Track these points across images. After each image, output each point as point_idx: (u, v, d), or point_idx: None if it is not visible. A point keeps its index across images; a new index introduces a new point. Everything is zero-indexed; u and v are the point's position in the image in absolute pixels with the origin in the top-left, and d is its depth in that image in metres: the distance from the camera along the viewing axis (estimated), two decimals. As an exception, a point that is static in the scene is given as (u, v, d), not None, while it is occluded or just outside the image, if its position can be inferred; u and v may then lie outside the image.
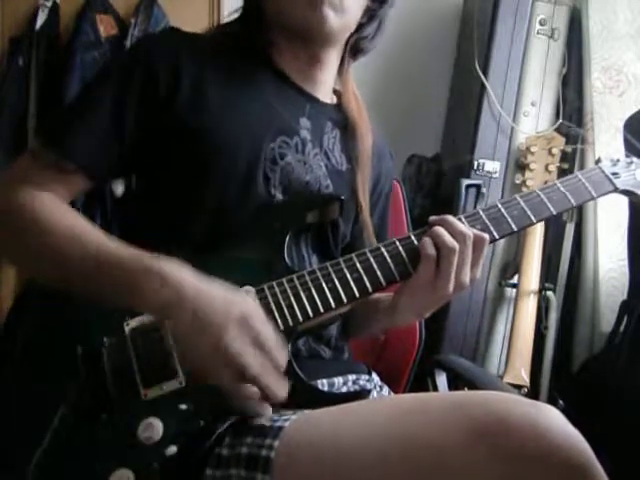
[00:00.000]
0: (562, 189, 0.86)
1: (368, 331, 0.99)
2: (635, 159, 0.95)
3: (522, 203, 0.83)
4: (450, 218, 0.79)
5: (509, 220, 0.82)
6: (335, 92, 0.99)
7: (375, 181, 1.00)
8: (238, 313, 0.64)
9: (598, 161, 0.93)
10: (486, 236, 0.78)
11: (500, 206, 0.83)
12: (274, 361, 0.65)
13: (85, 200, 1.84)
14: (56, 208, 0.77)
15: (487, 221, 0.82)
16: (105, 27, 1.93)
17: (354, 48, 0.96)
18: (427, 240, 0.77)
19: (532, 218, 0.83)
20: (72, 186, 0.82)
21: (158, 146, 0.83)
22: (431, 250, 0.76)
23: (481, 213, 0.82)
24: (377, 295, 0.92)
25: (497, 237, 0.82)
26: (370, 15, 0.94)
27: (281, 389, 0.66)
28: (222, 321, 0.64)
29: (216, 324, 0.63)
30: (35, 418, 0.69)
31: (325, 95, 0.95)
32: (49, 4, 1.94)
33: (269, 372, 0.64)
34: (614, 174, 0.91)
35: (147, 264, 0.68)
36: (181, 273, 0.67)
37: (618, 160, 0.94)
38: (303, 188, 0.86)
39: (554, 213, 0.84)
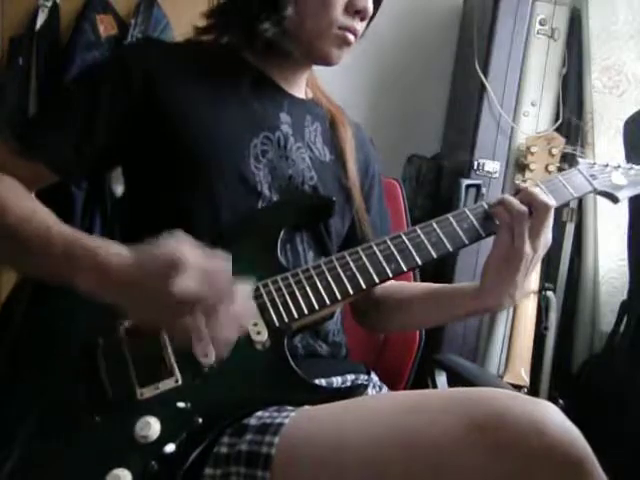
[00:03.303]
0: (544, 190, 0.88)
1: (440, 322, 1.04)
2: (610, 163, 1.00)
3: None
4: (523, 187, 0.85)
5: (496, 221, 0.84)
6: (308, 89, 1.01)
7: (365, 165, 1.01)
8: (166, 258, 0.63)
9: (576, 164, 0.98)
10: (552, 202, 0.83)
11: (485, 206, 0.85)
12: (220, 282, 0.64)
13: (85, 200, 1.84)
14: (14, 190, 0.78)
15: (474, 220, 0.84)
16: (105, 27, 1.93)
17: None
18: (500, 208, 0.82)
19: None
20: (36, 177, 0.83)
21: (141, 150, 0.85)
22: (506, 217, 0.82)
23: (467, 212, 0.85)
24: (454, 286, 0.95)
25: (484, 235, 0.85)
26: None
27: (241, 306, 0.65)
28: (155, 273, 0.62)
29: (152, 279, 0.63)
30: (29, 418, 0.68)
31: (300, 92, 0.97)
32: (49, 4, 1.94)
33: (220, 296, 0.63)
34: (592, 176, 0.96)
35: (86, 246, 0.68)
36: (110, 250, 0.67)
37: (595, 163, 0.99)
38: (287, 183, 0.88)
39: None
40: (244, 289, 0.68)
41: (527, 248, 0.81)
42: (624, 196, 0.99)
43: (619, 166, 1.01)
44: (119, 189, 1.81)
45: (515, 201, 0.82)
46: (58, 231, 0.71)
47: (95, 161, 0.86)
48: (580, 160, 0.99)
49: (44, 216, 0.75)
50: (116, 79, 0.84)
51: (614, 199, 0.98)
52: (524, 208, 0.81)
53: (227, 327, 0.65)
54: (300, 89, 0.97)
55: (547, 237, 0.84)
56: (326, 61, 0.90)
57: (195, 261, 0.63)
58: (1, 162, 0.81)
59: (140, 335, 0.72)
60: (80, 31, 1.90)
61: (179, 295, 0.61)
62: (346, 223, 0.97)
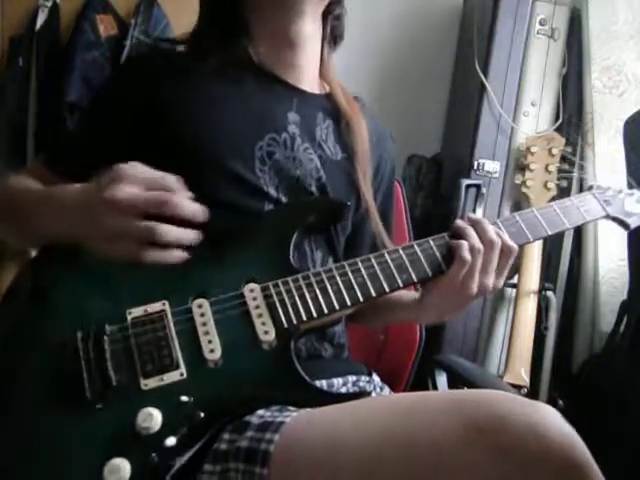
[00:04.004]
0: (558, 211, 0.91)
1: (385, 323, 1.01)
2: (624, 189, 1.02)
3: (520, 221, 0.88)
4: (483, 222, 0.84)
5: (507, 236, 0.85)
6: (326, 81, 1.00)
7: (376, 165, 1.00)
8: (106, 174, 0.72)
9: (591, 187, 1.00)
10: (515, 246, 0.83)
11: (499, 223, 0.87)
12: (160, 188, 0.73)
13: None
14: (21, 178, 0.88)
15: None
16: (105, 27, 1.93)
17: (333, 34, 0.98)
18: (464, 243, 0.81)
19: (529, 236, 0.88)
20: None
21: (149, 157, 0.85)
22: (467, 254, 0.80)
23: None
24: (402, 292, 0.94)
25: None
26: None
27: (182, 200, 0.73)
28: (96, 187, 0.73)
29: (93, 191, 0.72)
30: (29, 403, 0.68)
31: (312, 85, 0.96)
32: (49, 4, 1.94)
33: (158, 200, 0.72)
34: (605, 201, 0.97)
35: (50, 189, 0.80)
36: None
37: (609, 188, 1.00)
38: (295, 184, 0.88)
39: (549, 233, 0.89)
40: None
41: (474, 286, 0.81)
42: (636, 223, 1.00)
43: (633, 193, 1.02)
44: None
45: (475, 237, 0.82)
46: (34, 186, 0.82)
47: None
48: (594, 184, 1.00)
49: (29, 183, 0.84)
50: (119, 90, 0.89)
51: (625, 226, 1.00)
52: (481, 247, 0.81)
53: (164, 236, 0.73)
54: (309, 80, 0.95)
55: (498, 281, 0.84)
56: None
57: (132, 172, 0.72)
58: (38, 174, 0.89)
59: (147, 324, 0.72)
60: (80, 31, 1.90)
61: (112, 201, 0.70)
62: (353, 223, 0.97)
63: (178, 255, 0.75)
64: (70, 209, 0.74)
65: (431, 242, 0.83)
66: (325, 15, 0.94)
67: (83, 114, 0.99)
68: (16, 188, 0.82)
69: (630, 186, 1.05)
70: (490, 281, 0.82)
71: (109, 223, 0.71)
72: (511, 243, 0.83)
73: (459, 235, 0.83)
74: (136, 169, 0.72)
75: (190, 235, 0.75)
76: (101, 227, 0.72)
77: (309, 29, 0.91)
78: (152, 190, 0.73)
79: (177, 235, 0.74)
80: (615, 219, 0.99)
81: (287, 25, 0.89)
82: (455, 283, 0.81)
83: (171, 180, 0.74)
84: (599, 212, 0.96)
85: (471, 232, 0.82)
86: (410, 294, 0.96)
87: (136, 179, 0.72)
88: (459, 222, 0.84)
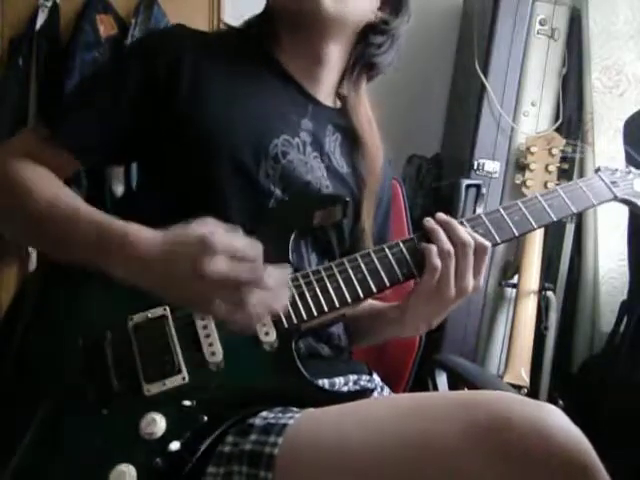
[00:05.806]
0: (563, 195, 0.87)
1: (374, 340, 0.99)
2: (633, 169, 0.97)
3: (523, 209, 0.85)
4: (453, 223, 0.80)
5: (510, 225, 0.84)
6: (340, 97, 0.98)
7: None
8: (196, 239, 0.63)
9: (598, 170, 0.95)
10: (487, 243, 0.80)
11: (502, 211, 0.84)
12: (251, 261, 0.63)
13: (85, 200, 1.84)
14: (41, 176, 0.80)
15: (489, 225, 0.83)
16: (105, 27, 1.93)
17: (364, 59, 0.95)
18: (434, 248, 0.78)
19: (533, 224, 0.85)
20: (62, 164, 0.84)
21: (158, 139, 0.84)
22: (436, 260, 0.77)
23: (483, 217, 0.84)
24: (383, 305, 0.93)
25: (499, 241, 0.83)
26: (381, 28, 0.94)
27: (276, 288, 0.65)
28: (186, 253, 0.63)
29: (182, 259, 0.63)
30: (33, 411, 0.68)
31: (327, 97, 0.95)
32: (49, 4, 1.94)
33: (252, 275, 0.63)
34: (613, 183, 0.93)
35: (112, 225, 0.70)
36: (141, 232, 0.68)
37: (616, 169, 0.96)
38: (303, 187, 0.87)
39: (554, 219, 0.86)
40: (279, 274, 0.66)
41: (451, 291, 0.79)
42: None
43: None
44: (119, 189, 1.81)
45: (444, 240, 0.79)
46: (86, 213, 0.73)
47: (118, 148, 0.86)
48: (601, 166, 0.96)
49: (71, 199, 0.76)
50: (144, 69, 0.84)
51: (636, 207, 0.95)
52: (451, 249, 0.78)
53: (257, 309, 0.64)
54: (327, 92, 0.95)
55: (477, 280, 0.80)
56: (305, 12, 0.85)
57: (226, 243, 0.63)
58: (30, 150, 0.82)
59: (149, 330, 0.72)
60: (80, 31, 1.90)
61: (209, 276, 0.61)
62: (351, 236, 0.95)
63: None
64: (150, 264, 0.66)
65: (401, 245, 0.81)
66: (362, 37, 0.93)
67: (94, 80, 0.90)
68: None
69: (637, 166, 0.99)
70: (469, 283, 0.79)
71: (204, 295, 0.64)
72: (483, 240, 0.80)
73: (428, 238, 0.80)
74: (223, 239, 0.63)
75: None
76: (196, 298, 0.65)
77: (333, 49, 0.91)
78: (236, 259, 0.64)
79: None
80: (624, 201, 0.94)
81: (312, 45, 0.90)
82: (430, 290, 0.79)
83: (255, 251, 0.65)
84: (606, 194, 0.92)
85: (440, 235, 0.79)
86: (392, 308, 0.93)
87: (225, 251, 0.63)
88: (428, 223, 0.81)
